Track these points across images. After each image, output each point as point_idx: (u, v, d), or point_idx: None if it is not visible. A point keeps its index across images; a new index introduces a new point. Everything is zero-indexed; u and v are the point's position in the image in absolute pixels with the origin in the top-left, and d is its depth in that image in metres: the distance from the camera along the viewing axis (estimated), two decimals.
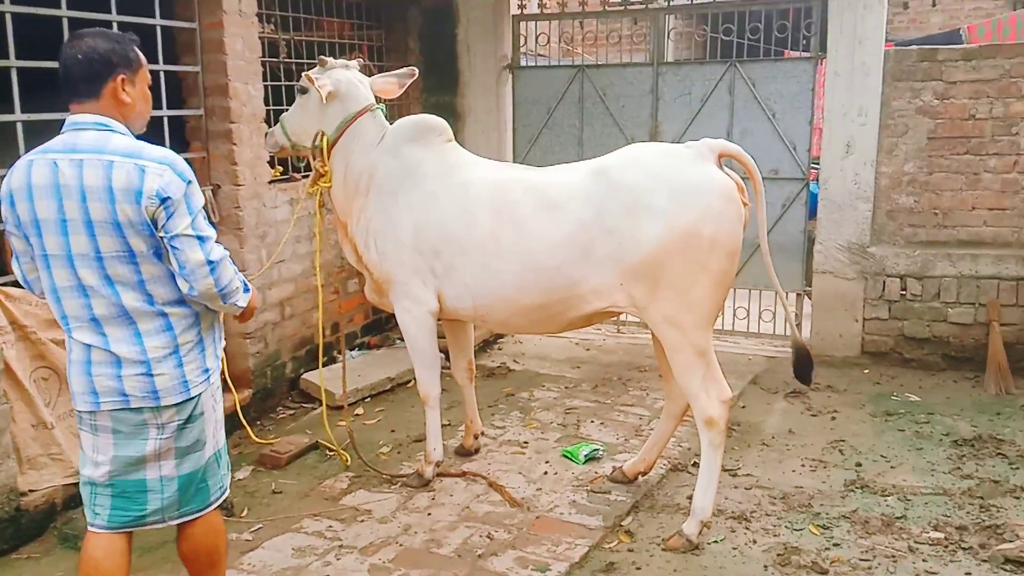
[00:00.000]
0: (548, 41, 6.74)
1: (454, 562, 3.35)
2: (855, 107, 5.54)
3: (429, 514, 3.75)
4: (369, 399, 5.33)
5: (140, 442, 2.49)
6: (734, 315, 6.32)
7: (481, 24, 6.50)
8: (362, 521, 3.71)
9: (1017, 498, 3.81)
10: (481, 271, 3.64)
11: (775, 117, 5.88)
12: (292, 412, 5.16)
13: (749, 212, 3.47)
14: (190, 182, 2.42)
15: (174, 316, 2.50)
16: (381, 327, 6.28)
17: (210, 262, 2.42)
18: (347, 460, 4.26)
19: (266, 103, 4.95)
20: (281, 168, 5.23)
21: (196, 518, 2.62)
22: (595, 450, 4.34)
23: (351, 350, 5.94)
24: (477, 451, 4.42)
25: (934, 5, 11.46)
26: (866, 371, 5.67)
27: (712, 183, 3.33)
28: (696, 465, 4.10)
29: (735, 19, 5.96)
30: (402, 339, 6.08)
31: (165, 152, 2.42)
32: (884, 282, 5.68)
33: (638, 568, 3.31)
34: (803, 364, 3.73)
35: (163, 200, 2.34)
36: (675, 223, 3.28)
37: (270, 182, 5.03)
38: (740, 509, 3.76)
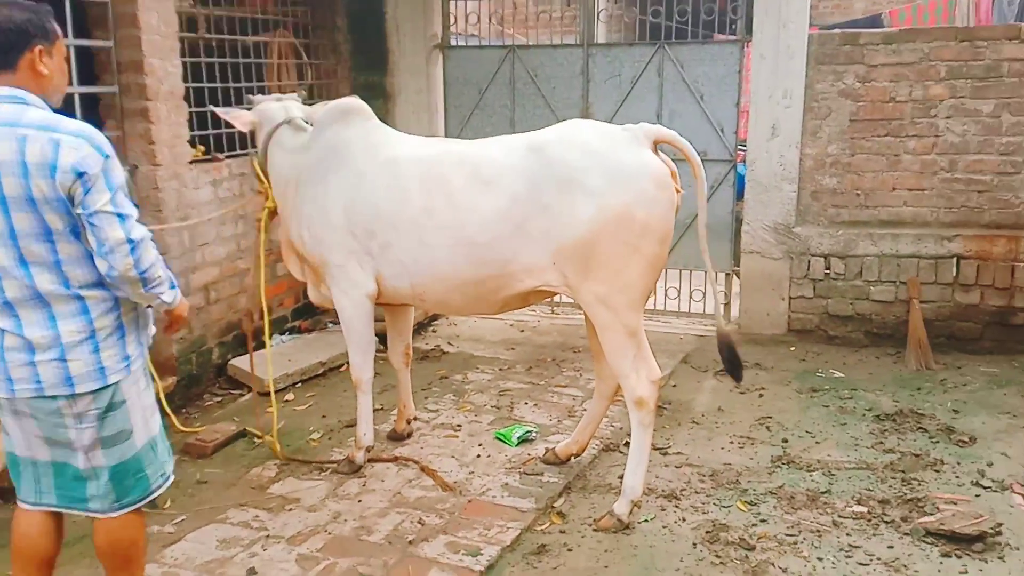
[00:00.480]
0: (479, 20, 6.67)
1: (384, 549, 3.31)
2: (780, 90, 5.62)
3: (359, 501, 3.70)
4: (300, 384, 5.23)
5: (61, 430, 2.44)
6: (665, 295, 6.37)
7: (410, 2, 6.38)
8: (290, 510, 3.63)
9: (937, 471, 3.93)
10: (416, 247, 3.60)
11: (703, 99, 5.93)
12: (219, 399, 5.03)
13: (681, 198, 3.48)
14: (108, 156, 2.32)
15: (91, 299, 2.40)
16: (312, 310, 6.15)
17: (130, 241, 2.33)
18: (277, 449, 4.17)
19: (185, 80, 4.76)
20: (203, 148, 5.06)
21: (128, 512, 2.56)
22: (528, 432, 4.33)
23: (281, 334, 5.81)
24: (410, 435, 4.38)
25: None
26: (792, 348, 5.79)
27: (646, 168, 3.32)
28: (628, 445, 4.15)
29: (663, 2, 5.97)
30: (334, 322, 6.03)
31: (82, 126, 2.33)
32: (809, 261, 5.80)
33: (569, 549, 3.32)
34: (731, 359, 3.69)
35: (79, 175, 2.25)
36: (608, 204, 3.27)
37: (191, 162, 4.86)
38: (670, 487, 3.80)
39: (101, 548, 2.60)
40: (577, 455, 4.05)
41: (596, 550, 3.32)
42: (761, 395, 4.94)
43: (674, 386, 5.16)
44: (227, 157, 5.19)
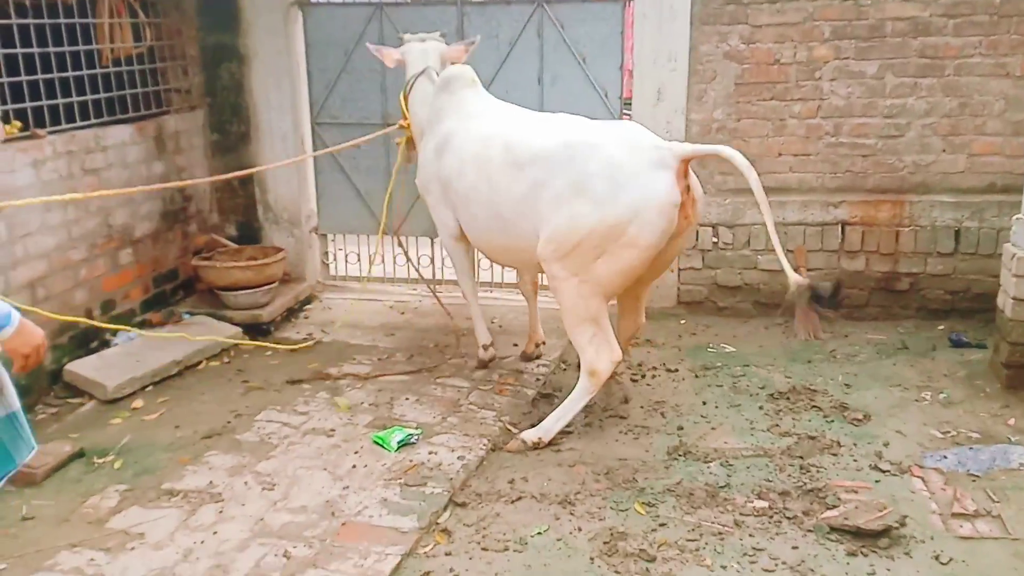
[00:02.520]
0: None
1: None
2: (664, 52, 5.34)
3: (214, 533, 3.23)
4: (151, 387, 4.66)
5: None
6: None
7: None
8: (132, 549, 3.14)
9: (834, 455, 3.79)
10: (467, 213, 4.32)
11: (585, 62, 5.59)
12: (55, 410, 4.42)
13: (690, 221, 3.77)
14: None
15: None
16: (165, 300, 5.55)
17: None
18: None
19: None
20: (20, 124, 4.37)
21: None
22: (409, 435, 3.95)
23: (129, 330, 5.18)
24: (539, 357, 4.99)
25: None
26: (683, 322, 5.61)
27: (654, 195, 3.58)
28: (513, 444, 3.87)
29: None
30: (191, 312, 5.48)
31: None
32: (697, 231, 5.60)
33: (456, 575, 2.98)
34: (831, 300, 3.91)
35: None
36: (606, 217, 3.60)
37: (4, 140, 4.18)
38: (564, 492, 3.51)
39: None
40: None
41: (485, 573, 3.00)
42: (655, 376, 4.73)
43: (564, 369, 4.88)
44: (51, 133, 4.51)
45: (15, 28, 4.35)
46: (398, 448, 3.88)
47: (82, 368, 4.60)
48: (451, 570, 3.01)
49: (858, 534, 3.12)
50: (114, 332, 5.03)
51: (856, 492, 3.46)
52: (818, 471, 3.64)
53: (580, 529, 3.25)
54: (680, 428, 4.09)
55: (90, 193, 4.28)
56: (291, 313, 5.81)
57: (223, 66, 5.88)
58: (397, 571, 3.01)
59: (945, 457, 3.73)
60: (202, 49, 5.83)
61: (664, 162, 3.63)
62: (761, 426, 4.10)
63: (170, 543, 3.17)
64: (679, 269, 5.69)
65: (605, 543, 3.15)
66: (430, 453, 3.84)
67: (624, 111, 5.77)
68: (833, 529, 3.17)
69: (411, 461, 3.77)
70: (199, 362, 4.98)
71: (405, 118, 4.91)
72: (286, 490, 3.55)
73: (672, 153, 3.64)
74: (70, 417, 4.33)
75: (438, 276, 6.25)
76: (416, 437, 3.97)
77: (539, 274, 4.92)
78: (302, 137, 6.01)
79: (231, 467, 3.75)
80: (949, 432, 3.99)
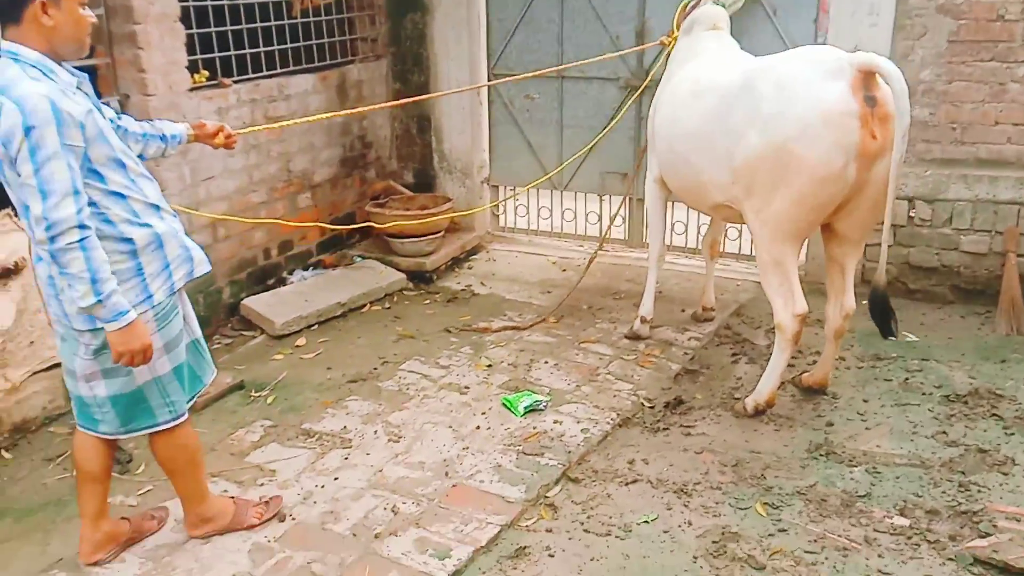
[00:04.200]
0: None
1: (347, 542, 3.00)
2: (866, 3, 4.79)
3: (336, 479, 3.38)
4: (316, 326, 4.94)
5: (71, 355, 2.68)
6: (725, 236, 5.74)
7: None
8: (262, 484, 3.36)
9: (1005, 474, 3.34)
10: (657, 147, 4.29)
11: (775, 15, 5.14)
12: (229, 341, 4.80)
13: (882, 143, 3.31)
14: (31, 128, 2.28)
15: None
16: (341, 242, 5.83)
17: (46, 218, 2.32)
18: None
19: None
20: (207, 73, 4.68)
21: (154, 432, 2.81)
22: (537, 402, 3.92)
23: (304, 270, 5.51)
24: (708, 320, 4.87)
25: None
26: (864, 302, 5.11)
27: (820, 103, 3.26)
28: (651, 419, 3.80)
29: None
30: (363, 256, 5.72)
31: (28, 90, 2.30)
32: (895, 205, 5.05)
33: (551, 555, 2.94)
34: (880, 311, 3.66)
35: (5, 144, 2.31)
36: (771, 136, 3.36)
37: (191, 89, 4.49)
38: (683, 480, 3.34)
39: (157, 461, 2.93)
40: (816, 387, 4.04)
41: (581, 557, 2.93)
42: (814, 361, 4.37)
43: (718, 344, 4.63)
44: (236, 82, 4.80)
45: None
46: (524, 413, 3.86)
47: (256, 304, 4.94)
48: (547, 548, 2.97)
49: (1005, 571, 2.74)
50: (291, 271, 5.36)
51: (1019, 521, 3.02)
52: (979, 491, 3.22)
53: (690, 523, 3.09)
54: (829, 424, 3.76)
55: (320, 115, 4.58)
56: (456, 262, 5.91)
57: (407, 16, 5.98)
58: (494, 542, 3.01)
59: None
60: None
61: (840, 71, 3.27)
62: (926, 431, 3.68)
63: (295, 483, 3.36)
64: (865, 244, 5.18)
65: (714, 542, 2.97)
66: (555, 422, 3.79)
67: None
68: (977, 561, 2.80)
69: (534, 428, 3.75)
70: (363, 305, 5.20)
71: (671, 35, 4.66)
72: (410, 444, 3.64)
73: (848, 61, 3.27)
74: (241, 349, 4.69)
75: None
76: (544, 404, 3.93)
77: (722, 236, 4.95)
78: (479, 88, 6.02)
79: (366, 414, 3.91)
80: None
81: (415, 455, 3.56)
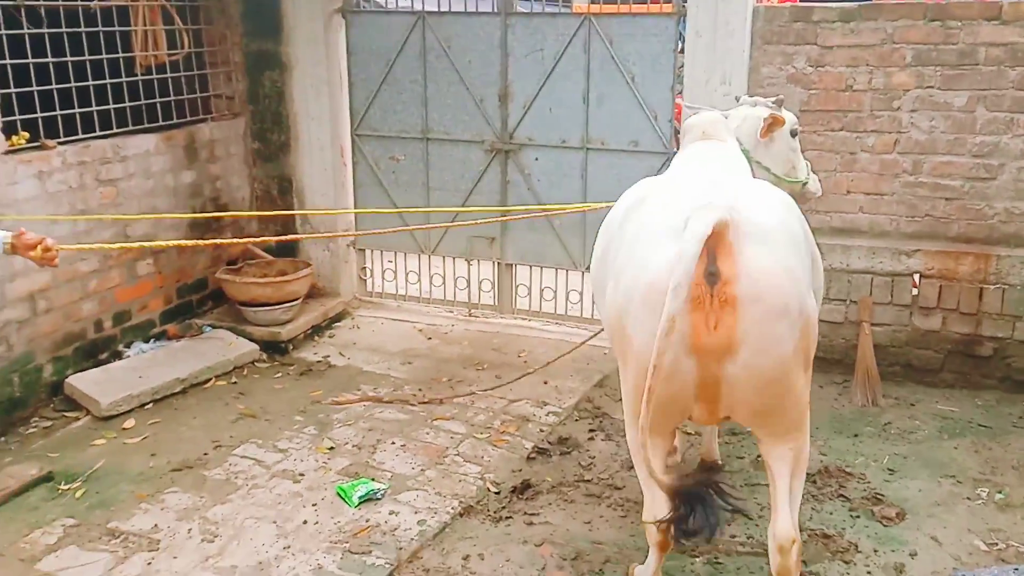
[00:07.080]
0: None
1: None
2: (718, 73, 4.80)
3: None
4: (151, 405, 4.57)
5: None
6: (566, 298, 5.63)
7: None
8: None
9: (847, 562, 3.25)
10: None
11: (634, 81, 5.12)
12: (49, 424, 4.38)
13: (726, 337, 2.36)
14: None
15: None
16: (190, 311, 5.47)
17: None
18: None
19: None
20: (27, 135, 4.33)
21: None
22: (373, 491, 3.65)
23: (145, 342, 5.13)
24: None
25: None
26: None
27: (642, 275, 2.48)
28: (495, 506, 3.49)
29: None
30: (212, 325, 5.37)
31: None
32: None
33: None
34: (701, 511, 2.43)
35: None
36: (611, 303, 2.69)
37: (7, 152, 4.15)
38: None
39: None
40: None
41: None
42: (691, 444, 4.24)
43: (577, 419, 4.47)
44: (62, 143, 4.47)
45: (26, 37, 4.31)
46: (359, 503, 3.60)
47: (81, 382, 4.55)
48: None
49: None
50: (128, 343, 4.99)
51: None
52: None
53: None
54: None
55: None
56: (316, 331, 5.62)
57: (266, 74, 5.75)
58: None
59: None
60: (246, 56, 5.72)
61: (678, 227, 2.38)
62: (767, 515, 3.56)
63: None
64: None
65: None
66: (391, 513, 3.54)
67: (677, 136, 5.26)
68: None
69: (367, 521, 3.48)
70: (207, 380, 4.86)
71: None
72: (225, 544, 3.33)
73: (700, 212, 2.35)
74: (59, 433, 4.29)
75: (473, 300, 5.92)
76: (382, 492, 3.67)
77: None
78: (341, 148, 5.81)
79: (184, 509, 3.58)
80: (996, 544, 3.35)
81: (228, 558, 3.24)
